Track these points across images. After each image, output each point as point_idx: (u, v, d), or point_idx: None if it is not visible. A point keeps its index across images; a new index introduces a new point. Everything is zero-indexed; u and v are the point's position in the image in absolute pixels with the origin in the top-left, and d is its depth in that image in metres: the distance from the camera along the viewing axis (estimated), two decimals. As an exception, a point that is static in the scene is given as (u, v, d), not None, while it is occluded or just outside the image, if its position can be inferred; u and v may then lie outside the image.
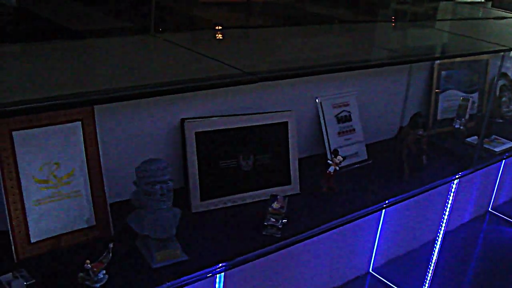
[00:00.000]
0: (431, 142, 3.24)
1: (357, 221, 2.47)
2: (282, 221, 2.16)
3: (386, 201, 2.47)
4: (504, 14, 5.04)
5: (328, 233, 2.37)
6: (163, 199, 1.90)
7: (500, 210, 4.71)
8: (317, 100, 2.70)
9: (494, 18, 4.78)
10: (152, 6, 2.31)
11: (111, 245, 1.80)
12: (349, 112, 2.81)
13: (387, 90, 3.11)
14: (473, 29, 4.23)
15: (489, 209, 4.72)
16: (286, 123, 2.43)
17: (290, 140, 2.45)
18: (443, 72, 3.34)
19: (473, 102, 3.57)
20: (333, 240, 3.20)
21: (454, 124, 3.39)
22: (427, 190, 2.70)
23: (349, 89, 2.83)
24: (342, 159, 2.46)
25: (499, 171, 4.58)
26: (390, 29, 3.73)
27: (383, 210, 3.39)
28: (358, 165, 2.81)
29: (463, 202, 4.35)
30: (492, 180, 4.60)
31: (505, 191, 4.82)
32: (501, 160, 3.32)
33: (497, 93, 3.79)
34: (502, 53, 3.50)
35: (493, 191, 4.66)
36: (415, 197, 2.78)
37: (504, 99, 3.92)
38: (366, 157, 2.87)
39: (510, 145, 3.39)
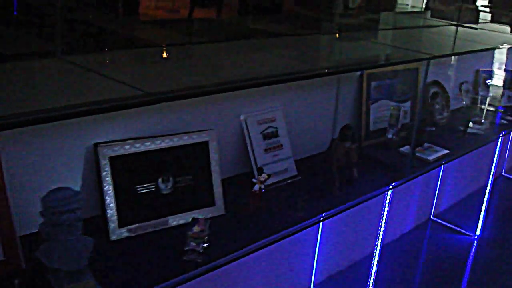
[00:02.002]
0: (364, 153, 3.22)
1: (295, 237, 2.42)
2: (203, 245, 2.08)
3: (313, 219, 2.42)
4: (438, 23, 5.12)
5: (264, 251, 2.31)
6: (71, 230, 1.81)
7: (442, 217, 4.74)
8: (241, 117, 2.64)
9: (428, 27, 4.83)
10: (58, 28, 2.22)
11: (16, 282, 1.71)
12: (275, 128, 2.76)
13: (316, 103, 3.07)
14: (406, 38, 4.26)
15: (431, 217, 4.73)
16: (206, 143, 2.37)
17: (211, 160, 2.38)
18: (373, 83, 3.33)
19: (405, 111, 3.58)
20: (270, 259, 3.14)
21: (387, 134, 3.39)
22: (358, 204, 2.66)
23: (275, 104, 2.79)
24: (267, 177, 2.41)
25: (438, 178, 4.60)
26: (328, 41, 3.72)
27: (321, 224, 3.35)
28: (287, 181, 2.76)
29: (403, 210, 4.35)
30: (432, 187, 4.62)
31: (446, 198, 4.85)
32: (435, 169, 3.31)
33: (429, 100, 3.80)
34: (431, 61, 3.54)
35: (434, 198, 4.68)
36: (352, 210, 2.76)
37: (437, 106, 3.94)
38: (296, 173, 2.82)
39: (443, 153, 3.40)
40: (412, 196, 4.36)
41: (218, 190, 2.39)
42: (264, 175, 2.40)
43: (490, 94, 4.01)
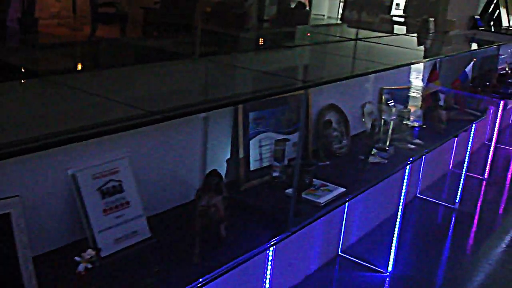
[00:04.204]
0: (242, 201, 2.73)
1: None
2: None
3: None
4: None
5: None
6: None
7: (351, 253, 4.30)
8: (68, 172, 2.09)
9: (323, 43, 4.41)
10: None
11: None
12: (119, 181, 2.22)
13: (176, 145, 2.55)
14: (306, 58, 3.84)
15: (339, 252, 4.30)
16: (8, 215, 1.81)
17: (16, 235, 1.81)
18: (251, 114, 2.84)
19: (294, 144, 3.12)
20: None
21: (271, 173, 2.92)
22: (218, 276, 2.15)
23: (118, 151, 2.25)
24: (93, 253, 1.87)
25: (345, 210, 4.18)
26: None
27: None
28: (138, 247, 2.23)
29: (306, 249, 3.89)
30: (338, 218, 4.19)
31: (355, 230, 4.43)
32: (326, 214, 2.82)
33: (322, 130, 3.35)
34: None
35: (341, 233, 4.25)
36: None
37: (334, 133, 3.49)
38: (149, 235, 2.29)
39: (338, 192, 2.93)
40: (316, 231, 3.91)
41: (28, 273, 1.84)
42: (90, 251, 1.87)
43: (394, 117, 3.59)
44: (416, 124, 4.33)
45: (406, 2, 6.49)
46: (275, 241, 2.45)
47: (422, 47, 4.82)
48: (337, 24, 7.59)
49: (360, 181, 3.16)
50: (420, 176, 5.41)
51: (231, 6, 7.69)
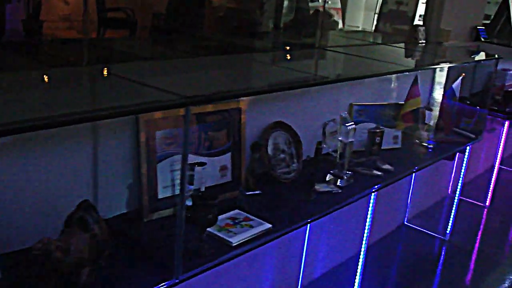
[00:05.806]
0: (136, 237, 2.39)
1: None
2: None
3: None
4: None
5: None
6: None
7: (312, 288, 3.95)
8: None
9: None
10: None
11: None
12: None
13: (55, 165, 2.22)
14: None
15: (298, 288, 3.94)
16: None
17: None
18: (158, 132, 2.50)
19: (223, 167, 2.79)
20: None
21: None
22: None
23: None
24: None
25: (305, 240, 3.81)
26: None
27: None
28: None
29: (255, 281, 3.55)
30: (297, 251, 3.83)
31: (319, 264, 4.06)
32: (230, 260, 2.42)
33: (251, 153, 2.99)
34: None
35: (301, 266, 3.88)
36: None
37: (282, 155, 3.14)
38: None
39: (261, 229, 2.57)
40: (269, 259, 3.55)
41: None
42: None
43: (350, 140, 3.21)
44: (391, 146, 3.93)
45: (424, 12, 6.19)
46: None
47: (407, 59, 4.43)
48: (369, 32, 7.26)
49: (295, 214, 2.79)
50: (409, 202, 5.01)
51: (243, 12, 7.46)
